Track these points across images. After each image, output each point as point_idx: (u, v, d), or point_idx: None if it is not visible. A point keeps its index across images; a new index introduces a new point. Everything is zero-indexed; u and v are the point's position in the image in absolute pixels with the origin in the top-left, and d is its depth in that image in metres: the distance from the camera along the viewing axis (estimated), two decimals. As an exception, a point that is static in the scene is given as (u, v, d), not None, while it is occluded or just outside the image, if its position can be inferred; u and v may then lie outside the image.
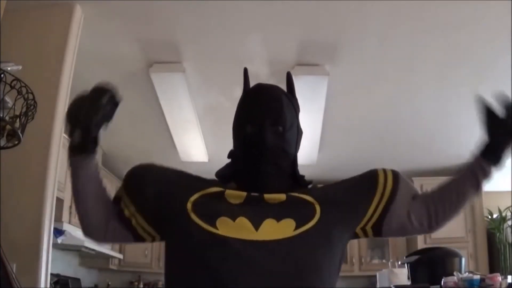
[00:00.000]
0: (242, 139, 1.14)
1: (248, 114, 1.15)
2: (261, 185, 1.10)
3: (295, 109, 1.19)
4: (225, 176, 1.17)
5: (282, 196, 1.07)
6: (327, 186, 1.17)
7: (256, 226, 1.02)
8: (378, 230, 1.13)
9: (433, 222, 1.17)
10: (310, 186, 1.18)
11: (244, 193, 1.07)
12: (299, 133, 1.18)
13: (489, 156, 1.13)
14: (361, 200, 1.12)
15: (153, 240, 1.16)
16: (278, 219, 1.03)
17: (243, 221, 1.02)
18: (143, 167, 1.17)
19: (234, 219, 1.02)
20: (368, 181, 1.14)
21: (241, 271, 0.96)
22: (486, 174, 1.13)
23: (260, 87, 1.20)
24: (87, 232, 1.16)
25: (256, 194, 1.07)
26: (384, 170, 1.16)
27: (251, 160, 1.11)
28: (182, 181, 1.14)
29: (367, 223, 1.12)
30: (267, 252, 0.99)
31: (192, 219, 1.03)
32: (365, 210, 1.11)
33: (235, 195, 1.07)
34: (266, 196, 1.07)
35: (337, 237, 1.08)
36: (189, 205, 1.05)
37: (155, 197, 1.10)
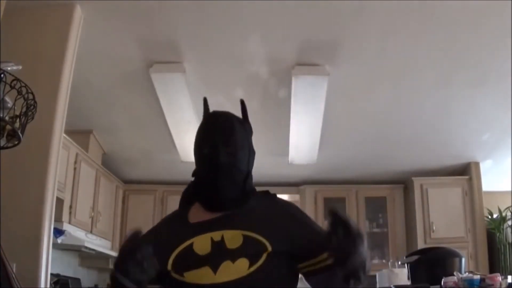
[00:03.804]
0: (200, 160, 1.34)
1: (204, 138, 1.34)
2: (217, 199, 1.30)
3: (247, 131, 1.37)
4: (188, 198, 1.39)
5: (240, 239, 1.23)
6: (280, 216, 1.32)
7: (215, 270, 1.20)
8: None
9: None
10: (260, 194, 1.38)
11: (209, 244, 1.24)
12: (250, 153, 1.36)
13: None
14: (306, 253, 1.27)
15: None
16: (234, 260, 1.20)
17: (205, 269, 1.21)
18: (126, 253, 1.23)
19: (198, 268, 1.21)
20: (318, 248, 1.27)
21: None
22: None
23: (215, 114, 1.39)
24: None
25: (219, 239, 1.24)
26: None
27: (209, 176, 1.30)
28: (160, 243, 1.26)
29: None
30: None
31: (171, 275, 1.24)
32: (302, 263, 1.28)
33: (202, 247, 1.24)
34: (226, 238, 1.24)
35: (285, 269, 1.26)
36: (169, 267, 1.25)
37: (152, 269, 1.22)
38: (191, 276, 1.21)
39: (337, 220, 1.10)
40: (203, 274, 1.20)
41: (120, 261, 1.19)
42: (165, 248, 1.26)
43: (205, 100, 1.45)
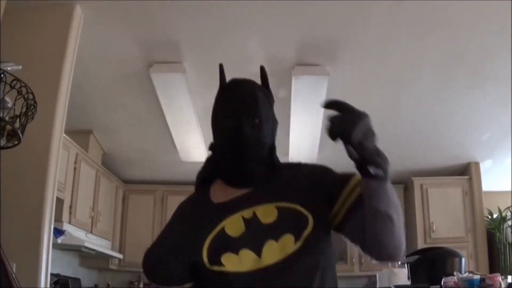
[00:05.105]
0: (222, 133, 1.20)
1: (226, 109, 1.20)
2: (244, 175, 1.20)
3: (270, 101, 1.25)
4: (206, 176, 1.27)
5: (274, 212, 1.14)
6: (306, 176, 1.22)
7: (259, 253, 1.09)
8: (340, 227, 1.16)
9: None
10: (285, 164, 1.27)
11: (242, 223, 1.14)
12: (274, 122, 1.25)
13: (360, 165, 1.04)
14: (333, 198, 1.16)
15: None
16: (277, 238, 1.10)
17: (245, 252, 1.10)
18: (152, 254, 1.23)
19: (237, 253, 1.10)
20: (344, 179, 1.18)
21: None
22: (372, 181, 1.04)
23: (236, 82, 1.25)
24: None
25: (251, 216, 1.14)
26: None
27: (233, 152, 1.17)
28: (188, 236, 1.19)
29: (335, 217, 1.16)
30: (274, 275, 1.07)
31: (205, 266, 1.12)
32: (333, 205, 1.16)
33: (235, 228, 1.14)
34: (259, 213, 1.14)
35: (327, 234, 1.17)
36: (205, 259, 1.12)
37: (183, 267, 1.18)
38: (232, 263, 1.09)
39: (334, 103, 1.03)
40: (245, 259, 1.09)
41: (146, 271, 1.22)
42: (195, 239, 1.15)
43: (221, 67, 1.32)
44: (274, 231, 1.11)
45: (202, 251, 1.12)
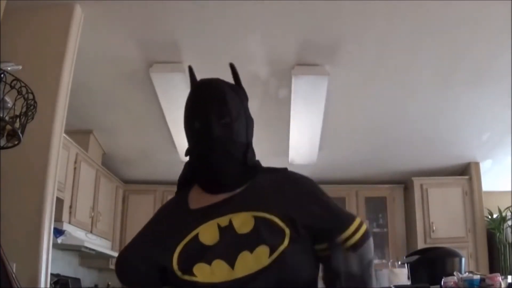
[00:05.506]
0: (192, 135, 1.17)
1: (194, 111, 1.17)
2: (217, 178, 1.16)
3: (241, 98, 1.22)
4: (184, 181, 1.25)
5: (250, 221, 1.09)
6: (291, 191, 1.18)
7: (232, 264, 1.05)
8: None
9: None
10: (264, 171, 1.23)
11: (217, 231, 1.10)
12: (248, 122, 1.21)
13: None
14: (324, 235, 1.15)
15: None
16: (252, 249, 1.06)
17: (218, 263, 1.06)
18: (123, 257, 1.26)
19: (210, 263, 1.06)
20: (339, 220, 1.16)
21: None
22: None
23: (203, 82, 1.22)
24: None
25: (226, 224, 1.10)
26: (361, 222, 1.17)
27: (202, 153, 1.15)
28: (159, 241, 1.17)
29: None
30: (244, 286, 1.04)
31: (176, 273, 1.09)
32: (322, 242, 1.15)
33: (209, 236, 1.10)
34: (235, 222, 1.10)
35: (307, 252, 1.13)
36: (174, 266, 1.09)
37: (154, 271, 1.16)
38: (204, 274, 1.05)
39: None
40: (218, 270, 1.05)
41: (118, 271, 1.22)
42: (167, 244, 1.13)
43: (190, 69, 1.31)
44: (249, 242, 1.07)
45: (173, 257, 1.10)
